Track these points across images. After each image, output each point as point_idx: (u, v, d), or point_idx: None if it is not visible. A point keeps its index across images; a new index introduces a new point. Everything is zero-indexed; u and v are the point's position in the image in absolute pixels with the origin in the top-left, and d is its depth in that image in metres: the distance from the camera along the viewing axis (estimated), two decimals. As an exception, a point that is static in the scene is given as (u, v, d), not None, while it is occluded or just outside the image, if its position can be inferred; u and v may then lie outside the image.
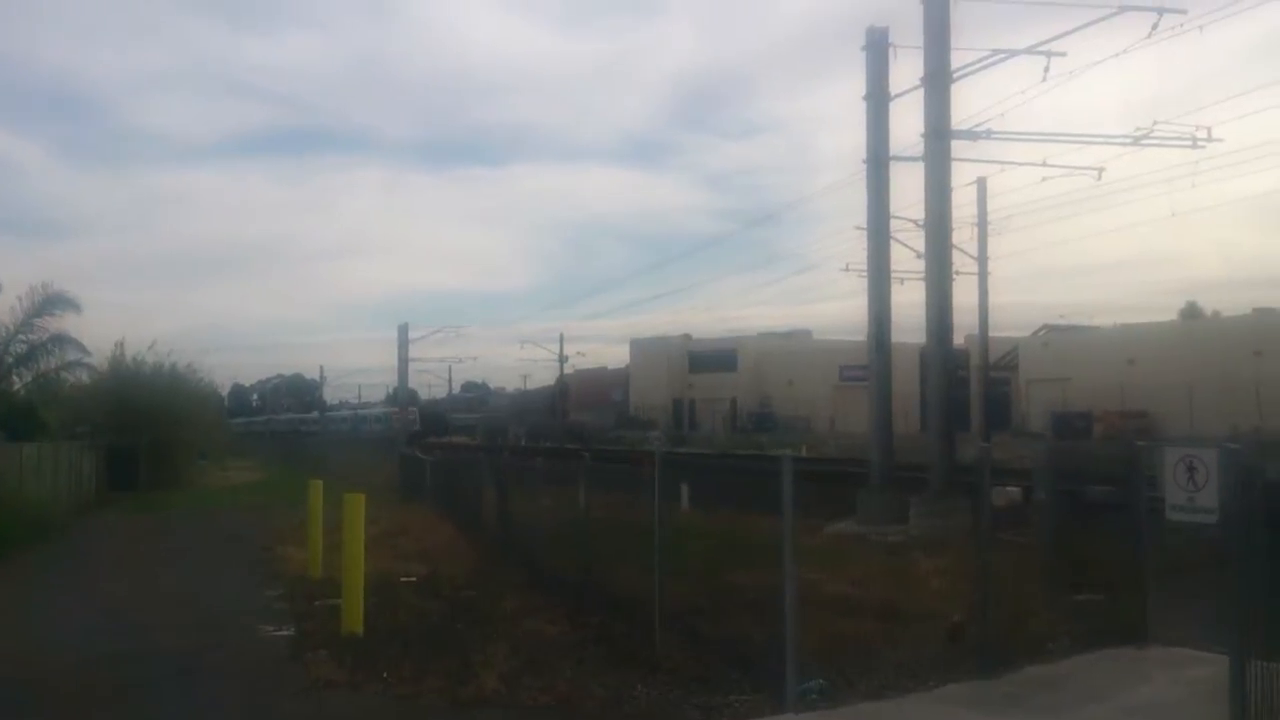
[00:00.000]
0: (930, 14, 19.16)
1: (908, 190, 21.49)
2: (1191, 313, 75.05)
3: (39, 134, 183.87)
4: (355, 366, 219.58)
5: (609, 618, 10.65)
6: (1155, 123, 22.03)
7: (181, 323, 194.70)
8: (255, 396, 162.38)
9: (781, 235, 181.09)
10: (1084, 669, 8.49)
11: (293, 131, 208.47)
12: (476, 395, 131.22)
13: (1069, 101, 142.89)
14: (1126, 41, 19.23)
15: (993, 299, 38.64)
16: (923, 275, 20.71)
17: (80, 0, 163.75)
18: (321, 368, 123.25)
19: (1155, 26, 18.43)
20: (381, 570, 13.90)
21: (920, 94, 19.61)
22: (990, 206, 37.99)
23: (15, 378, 34.76)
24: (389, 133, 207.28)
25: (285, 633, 11.36)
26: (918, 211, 22.56)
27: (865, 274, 22.21)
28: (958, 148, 19.96)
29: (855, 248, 37.77)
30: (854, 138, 24.23)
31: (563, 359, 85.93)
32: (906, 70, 20.39)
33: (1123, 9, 18.53)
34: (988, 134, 20.66)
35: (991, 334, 41.67)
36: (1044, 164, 24.23)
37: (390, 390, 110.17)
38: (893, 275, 22.11)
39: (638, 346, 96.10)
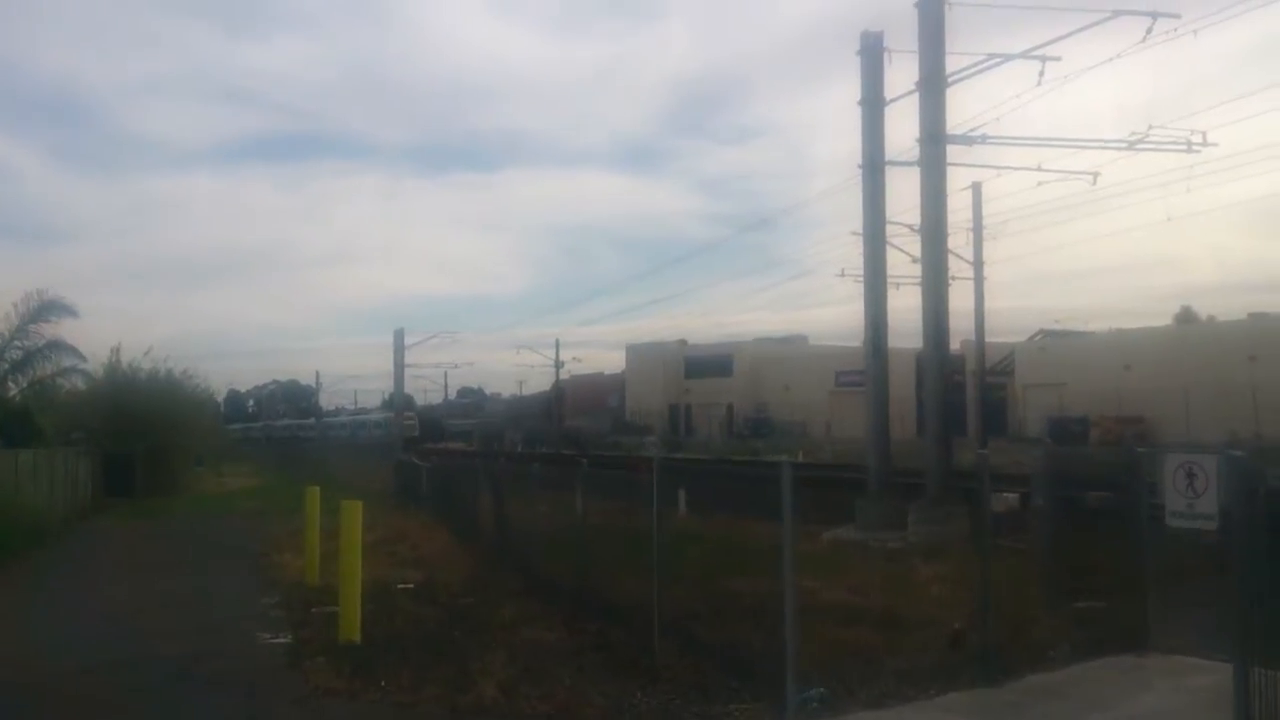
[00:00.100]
0: (925, 19, 19.15)
1: (903, 195, 21.47)
2: (1186, 318, 75.19)
3: (36, 139, 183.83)
4: (351, 372, 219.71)
5: (607, 625, 10.62)
6: (1150, 127, 22.05)
7: (178, 328, 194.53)
8: (251, 402, 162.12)
9: (777, 240, 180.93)
10: (1086, 677, 8.47)
11: (289, 137, 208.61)
12: (472, 401, 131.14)
13: (1064, 106, 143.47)
14: (1121, 46, 19.28)
15: (988, 304, 38.84)
16: (919, 280, 20.69)
17: (78, 6, 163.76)
18: (318, 373, 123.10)
19: (1150, 31, 18.46)
20: (378, 577, 13.88)
21: (915, 99, 19.59)
22: (986, 211, 38.21)
23: (11, 384, 34.69)
24: (385, 138, 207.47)
25: (283, 640, 11.33)
26: (913, 216, 22.62)
27: (861, 279, 22.22)
28: (953, 153, 19.97)
29: (851, 253, 37.95)
30: (849, 143, 24.36)
31: (559, 364, 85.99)
32: (902, 75, 20.41)
33: (1117, 13, 18.56)
34: (983, 139, 20.68)
35: (987, 339, 41.81)
36: (1039, 169, 24.32)
37: (386, 396, 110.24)
38: (889, 280, 22.12)
39: (634, 352, 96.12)
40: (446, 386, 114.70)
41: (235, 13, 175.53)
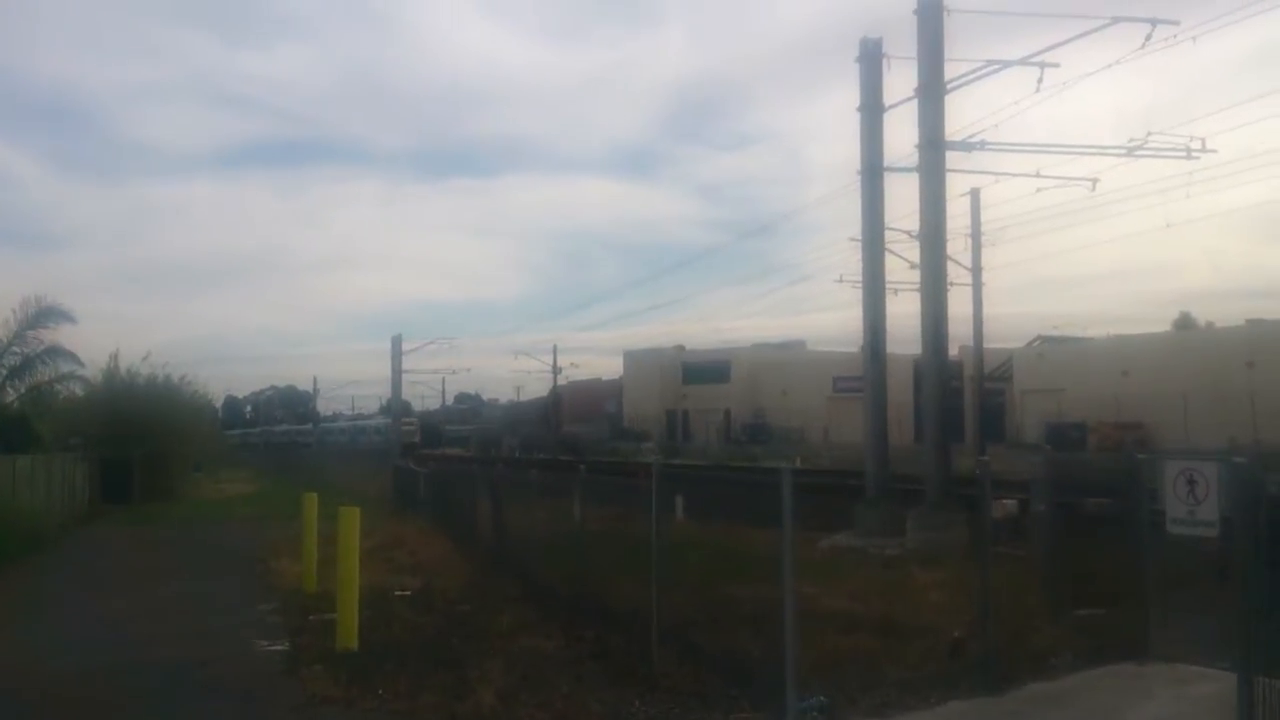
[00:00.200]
0: (924, 25, 19.16)
1: (902, 201, 21.47)
2: (1185, 323, 75.24)
3: (34, 145, 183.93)
4: (348, 378, 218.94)
5: (605, 632, 10.57)
6: (1149, 133, 22.06)
7: (175, 334, 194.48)
8: (249, 408, 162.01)
9: (776, 246, 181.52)
10: (1087, 686, 8.43)
11: (287, 143, 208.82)
12: (470, 406, 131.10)
13: (1063, 113, 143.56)
14: (1120, 52, 19.27)
15: (986, 310, 38.87)
16: (917, 286, 20.67)
17: (77, 12, 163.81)
18: (315, 379, 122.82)
19: (1148, 38, 18.45)
20: (376, 584, 13.84)
21: (914, 105, 19.60)
22: (985, 217, 38.23)
23: (9, 389, 34.66)
24: (384, 144, 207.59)
25: (280, 647, 11.29)
26: (912, 222, 22.58)
27: (859, 285, 22.21)
28: (952, 159, 19.95)
29: (849, 259, 37.91)
30: (848, 149, 24.35)
31: (556, 370, 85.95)
32: (901, 81, 20.42)
33: (1116, 20, 18.56)
34: (982, 145, 20.67)
35: (986, 345, 41.81)
36: (1038, 175, 24.28)
37: (384, 402, 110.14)
38: (887, 286, 22.12)
39: (631, 358, 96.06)
40: (444, 392, 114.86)
41: (234, 19, 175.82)
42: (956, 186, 26.40)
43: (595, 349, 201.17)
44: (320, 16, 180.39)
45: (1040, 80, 19.32)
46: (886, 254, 22.30)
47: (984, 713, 7.83)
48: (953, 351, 28.58)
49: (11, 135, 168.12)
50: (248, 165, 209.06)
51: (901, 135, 20.90)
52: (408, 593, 14.15)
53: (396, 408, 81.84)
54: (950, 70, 19.31)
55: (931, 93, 19.17)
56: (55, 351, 35.66)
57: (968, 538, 15.43)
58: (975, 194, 36.97)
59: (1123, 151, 22.31)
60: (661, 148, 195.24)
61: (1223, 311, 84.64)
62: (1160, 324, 78.89)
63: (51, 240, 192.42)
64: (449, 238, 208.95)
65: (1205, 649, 8.45)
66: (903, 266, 28.97)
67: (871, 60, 20.81)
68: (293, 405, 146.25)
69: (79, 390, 38.82)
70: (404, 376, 76.65)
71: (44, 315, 34.75)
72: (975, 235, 38.54)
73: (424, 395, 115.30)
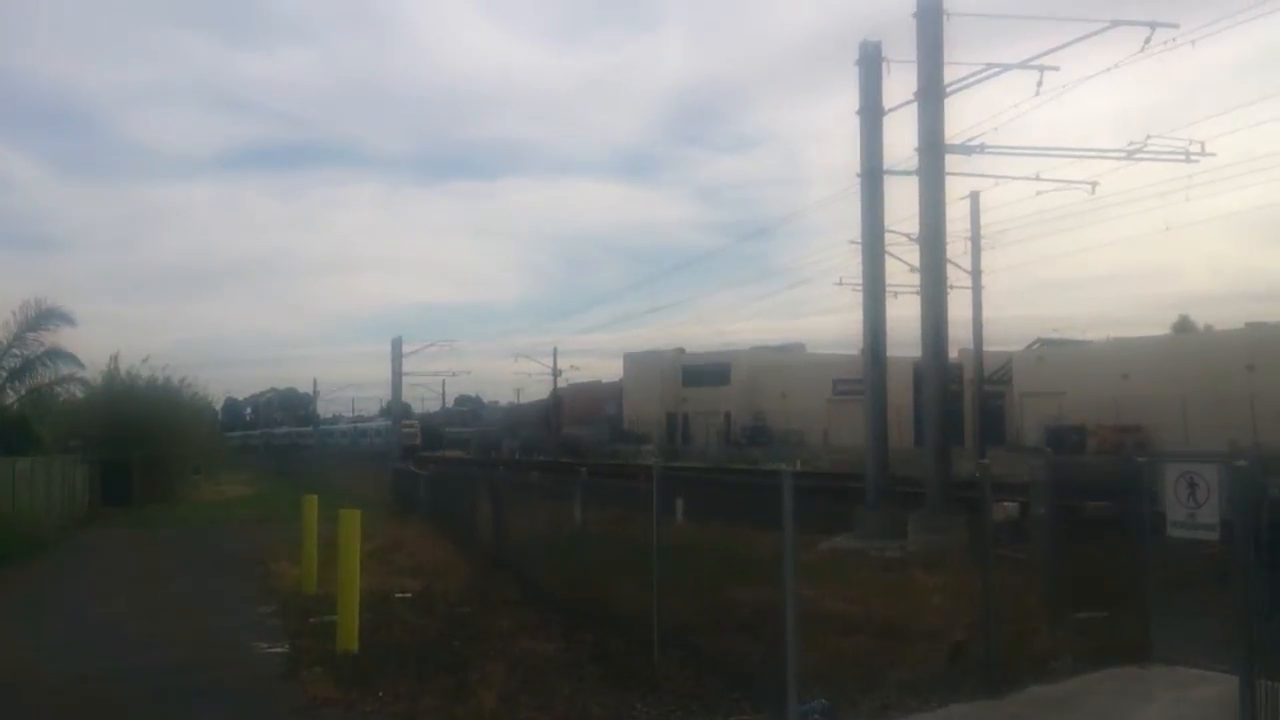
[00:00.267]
0: (924, 29, 19.19)
1: (902, 204, 21.49)
2: (1184, 327, 75.29)
3: (35, 147, 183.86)
4: (348, 380, 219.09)
5: (605, 634, 10.57)
6: (1149, 137, 22.09)
7: (175, 336, 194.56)
8: (249, 410, 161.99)
9: (775, 249, 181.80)
10: (1089, 689, 8.41)
11: (287, 146, 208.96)
12: (470, 409, 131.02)
13: (1062, 116, 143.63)
14: (1119, 56, 19.32)
15: (986, 313, 38.90)
16: (916, 289, 20.72)
17: (76, 15, 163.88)
18: (315, 381, 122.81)
19: (1148, 41, 18.50)
20: (376, 586, 13.83)
21: (914, 108, 19.64)
22: (984, 220, 38.28)
23: (9, 391, 34.63)
24: (384, 147, 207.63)
25: (280, 650, 11.28)
26: (912, 225, 22.63)
27: (859, 288, 22.24)
28: (952, 162, 19.97)
29: (849, 261, 38.03)
30: (847, 152, 24.33)
31: (556, 373, 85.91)
32: (900, 84, 20.47)
33: (1115, 23, 18.61)
34: (981, 148, 20.69)
35: (985, 348, 41.82)
36: (1038, 178, 24.30)
37: (384, 404, 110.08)
38: (886, 289, 22.14)
39: (631, 360, 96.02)
40: (444, 395, 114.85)
41: (234, 22, 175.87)
42: (956, 190, 26.49)
43: (595, 351, 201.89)
44: (320, 19, 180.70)
45: (1040, 83, 19.40)
46: (886, 257, 22.33)
47: (985, 716, 7.82)
48: (952, 354, 28.55)
49: (12, 137, 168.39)
50: (248, 167, 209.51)
51: (901, 138, 20.96)
52: (408, 595, 14.14)
53: (397, 410, 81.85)
54: (950, 73, 19.38)
55: (931, 96, 19.19)
56: (55, 354, 35.62)
57: (968, 540, 15.45)
58: (975, 197, 37.01)
59: (1122, 155, 22.35)
60: (661, 150, 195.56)
61: (1222, 315, 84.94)
62: (1160, 327, 78.96)
63: (52, 242, 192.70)
64: (449, 240, 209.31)
65: (1206, 651, 8.45)
66: (902, 269, 29.04)
67: (871, 63, 20.84)
68: (293, 407, 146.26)
69: (79, 392, 38.77)
70: (404, 379, 76.79)
71: (44, 317, 34.71)
72: (975, 238, 38.59)
73: (424, 397, 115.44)
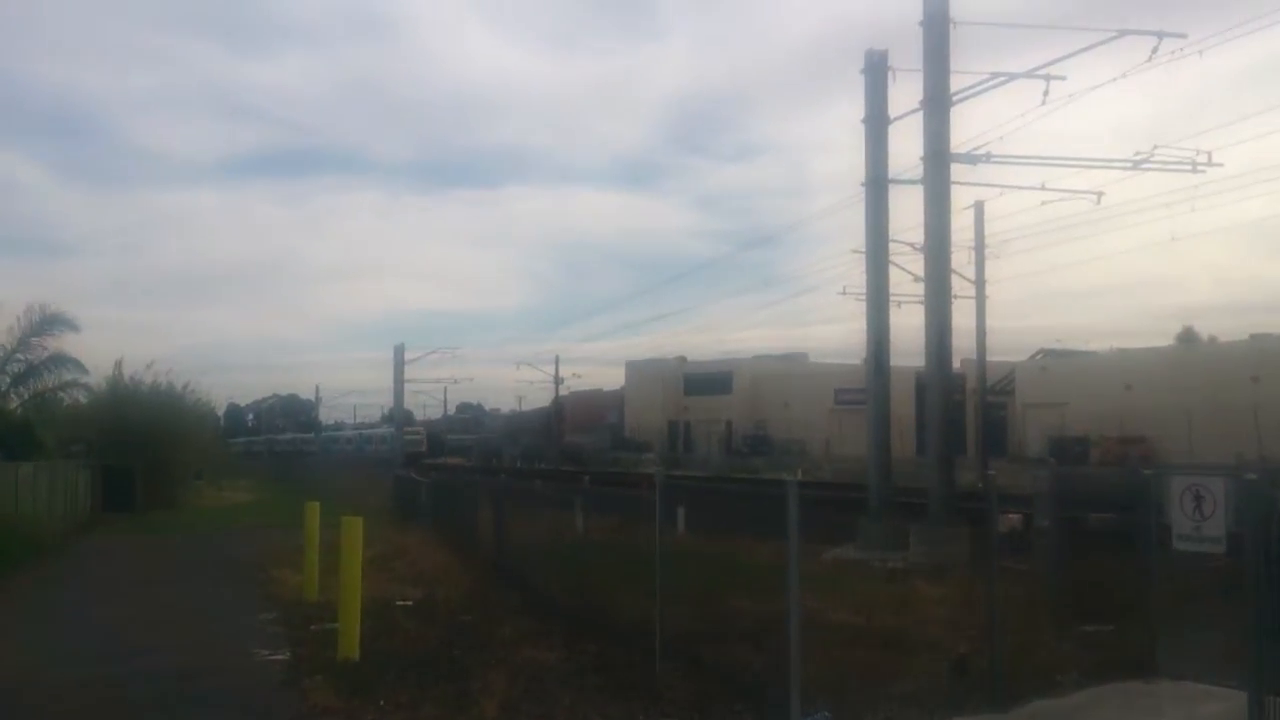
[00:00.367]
0: (930, 37, 19.16)
1: (906, 213, 21.52)
2: (1188, 338, 75.19)
3: (39, 153, 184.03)
4: (350, 387, 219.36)
5: (607, 644, 10.53)
6: (1155, 147, 22.04)
7: (179, 342, 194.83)
8: (251, 416, 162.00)
9: (778, 258, 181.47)
10: (1094, 703, 8.35)
11: (292, 153, 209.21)
12: (471, 416, 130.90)
13: (1068, 126, 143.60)
14: (1126, 66, 19.28)
15: (989, 323, 38.74)
16: (920, 299, 20.65)
17: (81, 21, 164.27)
18: (317, 387, 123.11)
19: (1155, 50, 18.45)
20: (377, 594, 13.80)
21: (919, 117, 19.59)
22: (989, 230, 38.22)
23: (13, 396, 34.71)
24: (386, 154, 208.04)
25: (281, 657, 11.24)
26: (916, 235, 22.57)
27: (863, 297, 22.19)
28: (957, 171, 19.93)
29: (852, 270, 37.87)
30: (851, 160, 24.29)
31: (558, 380, 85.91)
32: (906, 93, 20.42)
33: (1122, 33, 18.56)
34: (987, 157, 20.67)
35: (988, 358, 41.68)
36: (1043, 187, 24.28)
37: (386, 411, 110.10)
38: (890, 298, 22.08)
39: (633, 368, 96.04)
40: (446, 402, 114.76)
41: (239, 29, 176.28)
42: (961, 199, 26.49)
43: (597, 359, 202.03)
44: (325, 27, 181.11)
45: (1046, 93, 19.38)
46: (890, 266, 22.28)
47: (989, 729, 7.77)
48: (955, 365, 28.54)
49: (18, 142, 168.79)
50: (252, 174, 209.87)
51: (906, 147, 20.91)
52: (409, 603, 14.10)
53: (399, 417, 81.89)
54: (956, 82, 19.33)
55: (937, 105, 19.16)
56: (59, 359, 35.78)
57: (971, 552, 15.38)
58: (979, 207, 37.00)
59: (1128, 165, 22.29)
60: (664, 158, 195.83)
61: (1226, 326, 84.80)
62: (1163, 338, 78.87)
63: (56, 247, 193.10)
64: (452, 248, 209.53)
65: (1213, 666, 8.38)
66: (906, 279, 28.93)
67: (876, 72, 20.80)
68: (295, 414, 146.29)
69: (82, 398, 38.94)
70: (406, 386, 76.99)
71: (48, 323, 34.87)
72: (979, 248, 38.51)
73: (426, 405, 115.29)
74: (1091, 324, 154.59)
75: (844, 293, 38.82)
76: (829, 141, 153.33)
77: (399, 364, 73.76)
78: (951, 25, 19.02)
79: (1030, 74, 19.37)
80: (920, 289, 21.19)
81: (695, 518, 18.82)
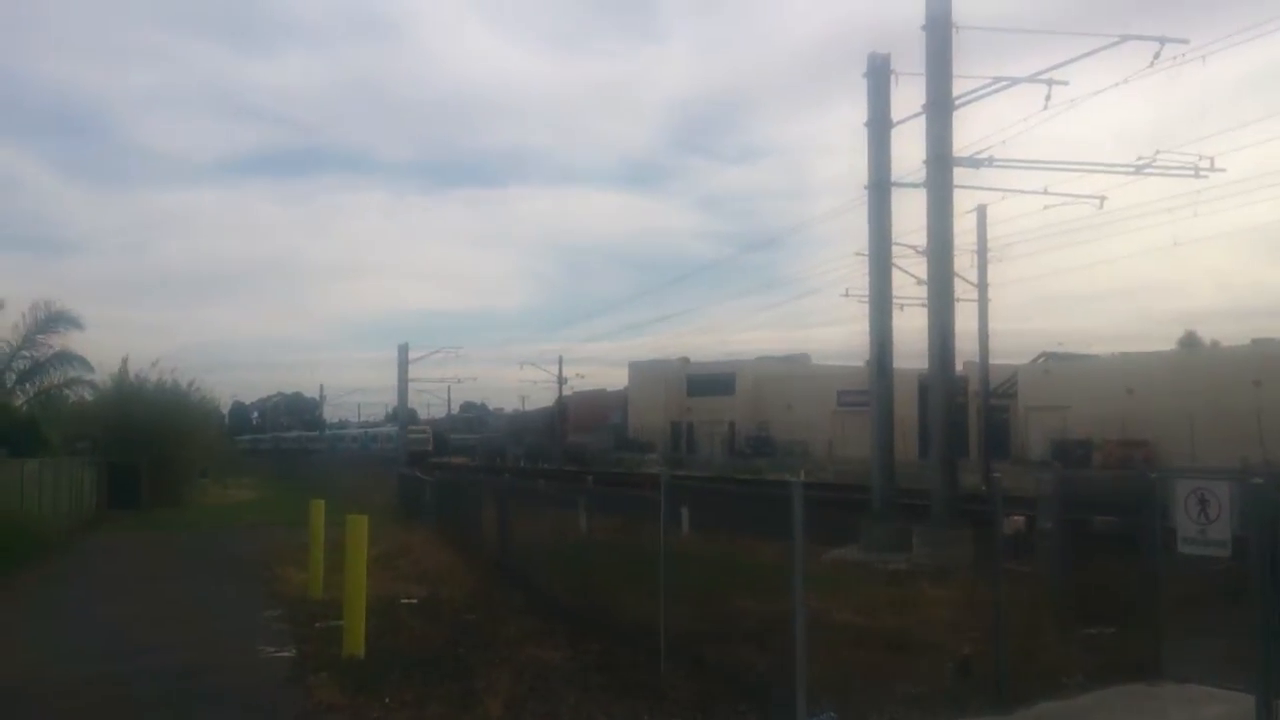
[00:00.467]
0: (932, 42, 19.19)
1: (909, 216, 21.51)
2: (1190, 342, 75.17)
3: (43, 151, 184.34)
4: (354, 385, 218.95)
5: (612, 643, 10.57)
6: (1158, 152, 22.02)
7: (184, 340, 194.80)
8: (256, 414, 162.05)
9: (781, 260, 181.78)
10: (1098, 706, 8.36)
11: (295, 152, 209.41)
12: (475, 416, 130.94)
13: (1071, 130, 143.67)
14: (1128, 71, 19.27)
15: (992, 326, 38.65)
16: (922, 302, 20.70)
17: (84, 20, 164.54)
18: (321, 386, 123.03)
19: (1157, 56, 18.47)
20: (382, 592, 13.84)
21: (922, 120, 19.62)
22: (991, 234, 38.07)
23: (19, 393, 34.79)
24: (390, 154, 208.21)
25: (286, 654, 11.28)
26: (919, 238, 22.58)
27: (865, 299, 22.20)
28: (959, 175, 19.94)
29: (855, 273, 37.96)
30: (854, 163, 24.33)
31: (562, 380, 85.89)
32: (908, 97, 20.46)
33: (1125, 38, 18.59)
34: (989, 161, 20.66)
35: (991, 361, 41.65)
36: (1045, 192, 24.26)
37: (390, 410, 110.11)
38: (893, 301, 22.10)
39: (636, 369, 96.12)
40: (449, 401, 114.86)
41: (242, 28, 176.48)
42: (964, 203, 26.46)
43: (601, 360, 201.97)
44: (327, 26, 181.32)
45: (1048, 97, 19.38)
46: (893, 269, 22.31)
47: (994, 730, 7.80)
48: (957, 367, 28.55)
49: (21, 141, 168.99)
50: (255, 173, 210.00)
51: (909, 151, 20.94)
52: (414, 601, 14.14)
53: (402, 416, 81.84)
54: (958, 86, 19.36)
55: (939, 108, 19.20)
56: (64, 356, 35.88)
57: (974, 554, 15.41)
58: (981, 210, 36.88)
59: (1131, 170, 22.27)
60: (667, 160, 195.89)
61: (1228, 331, 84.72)
62: (1165, 342, 78.85)
63: (61, 246, 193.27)
64: (455, 247, 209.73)
65: (1218, 669, 8.41)
66: (909, 282, 28.94)
67: (879, 75, 20.85)
68: (299, 412, 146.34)
69: (88, 395, 38.97)
70: (410, 385, 76.87)
71: (53, 320, 34.98)
72: (981, 251, 38.43)
73: (430, 404, 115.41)
74: (1094, 328, 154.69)
75: (846, 295, 38.87)
76: (831, 144, 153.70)
77: (403, 363, 73.74)
78: (954, 29, 19.06)
79: (1033, 78, 19.39)
80: (923, 292, 21.27)
81: (699, 518, 18.85)
